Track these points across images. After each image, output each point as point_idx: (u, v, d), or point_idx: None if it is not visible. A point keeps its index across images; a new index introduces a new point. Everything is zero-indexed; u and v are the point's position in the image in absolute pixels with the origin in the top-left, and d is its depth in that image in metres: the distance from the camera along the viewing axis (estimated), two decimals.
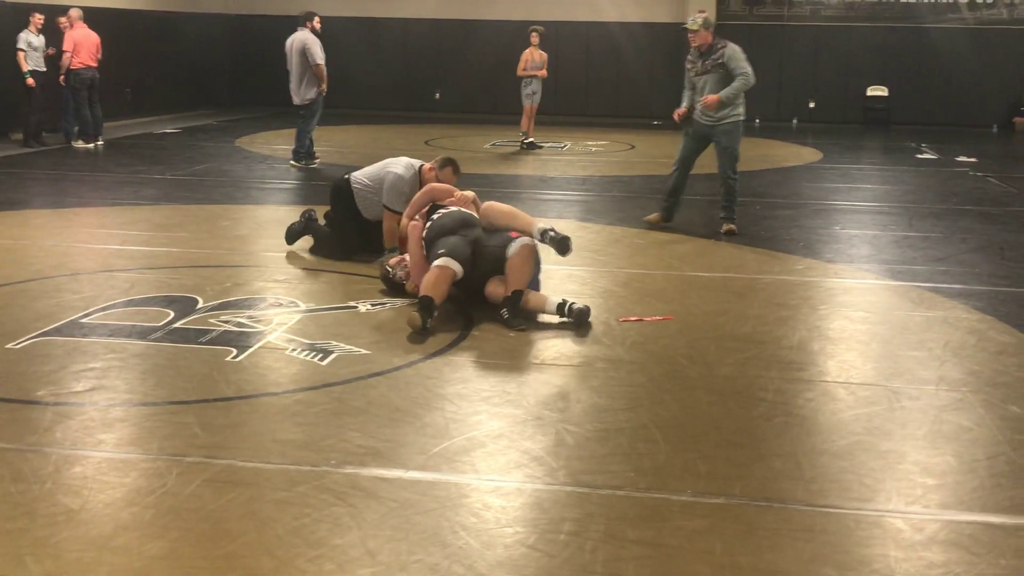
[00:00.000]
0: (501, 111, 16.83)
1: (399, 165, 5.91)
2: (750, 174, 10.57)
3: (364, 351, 4.25)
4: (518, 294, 4.66)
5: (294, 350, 4.24)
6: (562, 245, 4.68)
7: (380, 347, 4.32)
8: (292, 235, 6.44)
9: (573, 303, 4.72)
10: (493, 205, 4.97)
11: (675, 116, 7.06)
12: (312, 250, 6.31)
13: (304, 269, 5.91)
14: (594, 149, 13.07)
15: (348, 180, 6.09)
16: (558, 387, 3.90)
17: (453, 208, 5.16)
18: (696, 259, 6.35)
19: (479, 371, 4.06)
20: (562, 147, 13.24)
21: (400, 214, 5.80)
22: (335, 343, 4.35)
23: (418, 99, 18.13)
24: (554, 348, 4.39)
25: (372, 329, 4.60)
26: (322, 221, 6.31)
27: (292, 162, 10.47)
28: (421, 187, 5.79)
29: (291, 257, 6.20)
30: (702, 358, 4.29)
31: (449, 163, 5.77)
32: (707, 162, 7.34)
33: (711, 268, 6.08)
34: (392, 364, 4.10)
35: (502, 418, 3.54)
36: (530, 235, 4.82)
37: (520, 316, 4.65)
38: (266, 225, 7.24)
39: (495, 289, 4.77)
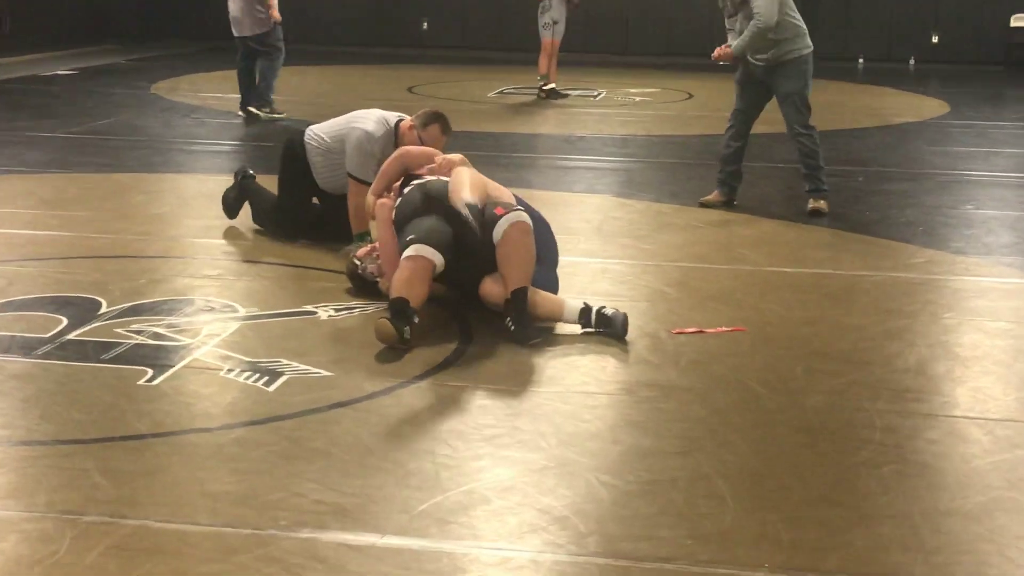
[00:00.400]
0: (511, 47, 16.88)
1: (369, 119, 5.92)
2: (850, 133, 10.58)
3: (325, 372, 4.27)
4: (521, 295, 4.65)
5: (230, 371, 4.26)
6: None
7: (346, 367, 4.33)
8: (230, 205, 6.47)
9: (602, 307, 4.71)
10: (459, 172, 4.99)
11: (714, 55, 7.07)
12: (255, 219, 6.34)
13: (245, 261, 5.93)
14: (638, 99, 13.09)
15: (303, 135, 6.13)
16: (587, 423, 3.90)
17: (431, 178, 5.16)
18: (775, 249, 6.35)
19: (480, 400, 4.07)
20: (595, 96, 13.26)
21: (368, 184, 5.82)
22: (285, 362, 4.36)
23: (399, 32, 18.21)
24: (582, 370, 4.40)
25: (336, 343, 4.61)
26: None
27: (252, 108, 10.58)
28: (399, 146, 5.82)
29: (230, 240, 6.22)
30: (784, 384, 4.28)
31: (436, 119, 5.78)
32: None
33: (796, 261, 6.08)
34: (363, 391, 4.11)
35: (512, 464, 3.55)
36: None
37: (532, 326, 4.65)
38: (194, 201, 7.27)
39: (491, 289, 4.77)
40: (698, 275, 5.73)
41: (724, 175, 7.27)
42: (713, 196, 7.30)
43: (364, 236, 5.77)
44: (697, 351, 4.61)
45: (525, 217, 4.73)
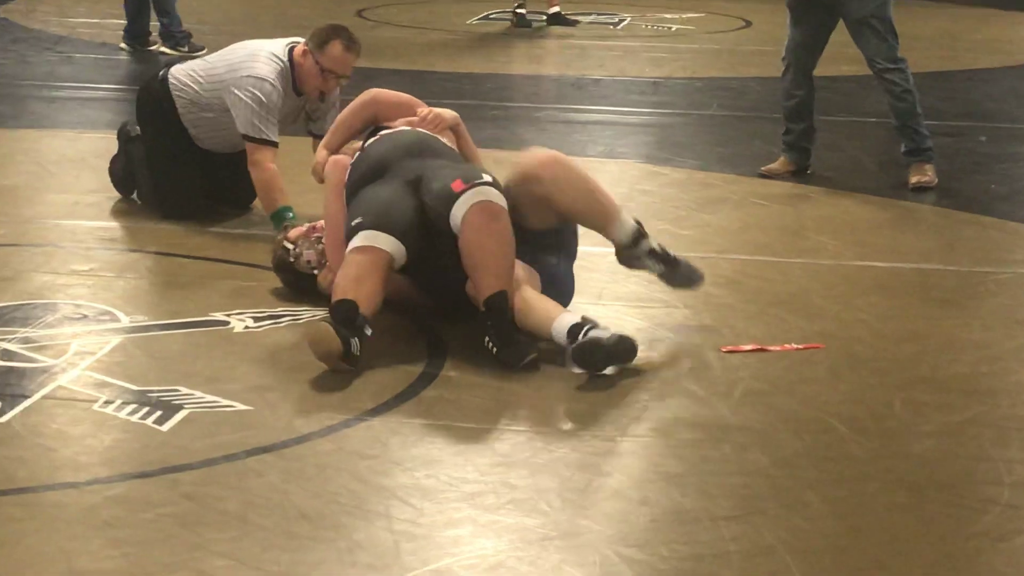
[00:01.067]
0: None
1: (260, 57, 5.98)
2: (968, 76, 10.60)
3: (240, 406, 4.26)
4: (499, 302, 4.63)
5: (109, 403, 4.24)
6: (682, 277, 4.94)
7: (270, 399, 4.33)
8: (119, 178, 6.48)
9: (590, 328, 4.54)
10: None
11: None
12: (139, 196, 6.34)
13: (130, 251, 5.93)
14: (675, 28, 13.10)
15: (164, 80, 6.16)
16: (606, 476, 3.89)
17: (404, 128, 5.20)
18: (864, 236, 6.35)
19: (456, 444, 4.06)
20: (615, 24, 13.27)
21: (273, 145, 5.87)
22: (186, 391, 4.35)
23: None
24: (598, 403, 4.39)
25: (255, 365, 4.60)
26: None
27: (165, 48, 10.61)
28: (299, 85, 5.91)
29: (110, 222, 6.20)
30: (877, 423, 4.28)
31: (334, 34, 5.88)
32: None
33: (894, 253, 6.08)
34: (293, 431, 4.10)
35: (500, 533, 3.53)
36: (562, 216, 4.89)
37: (521, 341, 4.63)
38: (58, 168, 7.25)
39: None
40: (758, 271, 5.73)
41: (792, 136, 7.28)
42: (778, 164, 7.31)
43: (283, 214, 5.78)
44: (757, 377, 4.60)
45: (493, 194, 4.70)
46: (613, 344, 4.51)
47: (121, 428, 4.08)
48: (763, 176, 7.25)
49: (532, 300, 4.75)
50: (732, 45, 12.14)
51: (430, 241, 4.77)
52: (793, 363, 4.73)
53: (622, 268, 5.12)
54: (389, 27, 12.61)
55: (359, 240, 4.68)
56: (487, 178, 4.75)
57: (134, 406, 4.21)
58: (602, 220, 4.93)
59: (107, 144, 6.67)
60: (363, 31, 12.05)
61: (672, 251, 5.00)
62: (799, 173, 7.28)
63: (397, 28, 12.58)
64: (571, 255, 5.12)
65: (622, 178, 7.31)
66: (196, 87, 6.06)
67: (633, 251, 4.96)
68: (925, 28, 12.68)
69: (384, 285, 4.66)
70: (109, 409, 4.19)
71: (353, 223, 4.76)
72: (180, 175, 6.17)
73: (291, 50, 5.94)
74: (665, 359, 4.74)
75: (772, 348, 4.83)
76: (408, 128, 5.19)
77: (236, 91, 5.88)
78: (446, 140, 5.22)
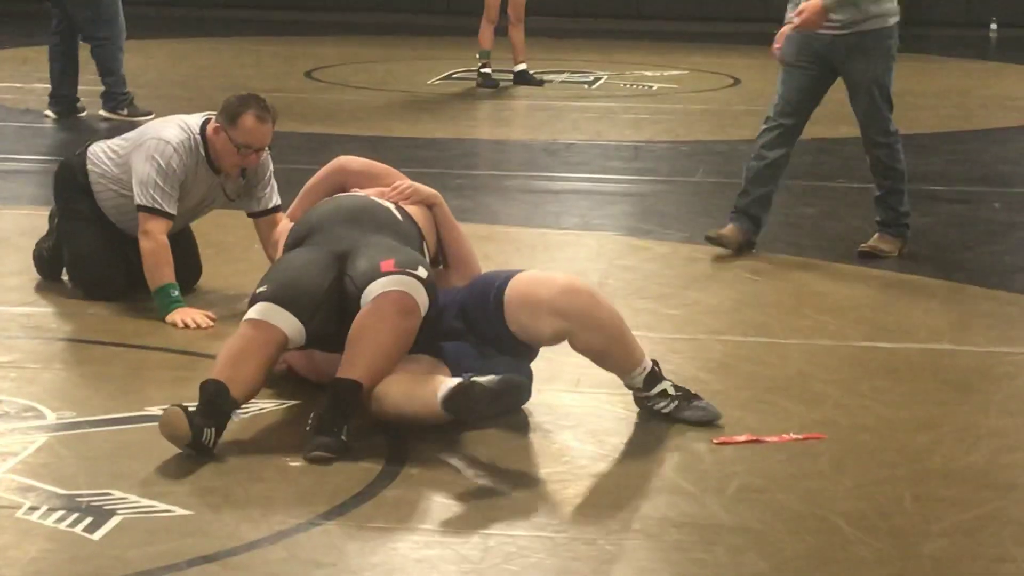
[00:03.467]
0: (463, 9, 16.99)
1: (169, 123, 6.14)
2: (980, 137, 10.68)
3: (180, 510, 4.24)
4: (345, 389, 4.62)
5: (33, 509, 4.21)
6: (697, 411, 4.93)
7: (213, 502, 4.31)
8: (44, 262, 6.49)
9: (467, 382, 4.50)
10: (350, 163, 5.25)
11: (773, 49, 7.15)
12: (71, 278, 6.35)
13: (57, 339, 5.93)
14: (656, 87, 13.18)
15: (84, 157, 6.26)
16: None
17: (355, 193, 5.26)
18: (867, 313, 6.37)
19: (421, 551, 4.04)
20: (590, 83, 13.35)
21: (166, 216, 5.94)
22: (119, 494, 4.33)
23: None
24: (577, 500, 4.39)
25: (196, 464, 4.58)
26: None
27: (105, 112, 10.66)
28: (215, 163, 5.99)
29: (34, 307, 6.19)
30: (886, 521, 4.28)
31: (245, 104, 5.94)
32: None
33: (901, 332, 6.11)
34: (238, 537, 4.08)
35: None
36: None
37: (328, 436, 4.57)
38: None
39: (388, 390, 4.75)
40: (752, 354, 5.74)
41: (747, 200, 7.20)
42: (726, 231, 7.20)
43: (167, 290, 5.84)
44: (753, 471, 4.60)
45: (417, 290, 4.72)
46: (494, 385, 4.47)
47: (48, 537, 4.04)
48: (709, 241, 7.16)
49: (396, 383, 4.70)
50: (719, 105, 12.23)
51: (345, 321, 4.79)
52: (792, 455, 4.73)
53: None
54: (342, 88, 12.68)
55: (253, 312, 4.74)
56: (421, 272, 4.77)
57: (62, 512, 4.17)
58: (622, 367, 4.94)
59: (31, 221, 6.67)
60: (314, 94, 12.16)
61: (689, 388, 5.00)
62: (745, 246, 7.18)
63: (351, 90, 12.65)
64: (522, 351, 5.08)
65: (600, 253, 7.33)
66: (109, 163, 6.16)
67: (647, 393, 4.96)
68: (934, 84, 12.82)
69: (269, 365, 4.73)
70: (34, 516, 4.15)
71: (256, 291, 4.82)
72: (99, 251, 6.20)
73: (204, 124, 6.01)
74: (651, 451, 4.74)
75: (769, 439, 4.83)
76: (359, 194, 5.22)
77: (136, 154, 5.99)
78: (418, 219, 5.23)
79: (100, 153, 6.21)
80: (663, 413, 4.93)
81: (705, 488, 4.46)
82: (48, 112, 10.76)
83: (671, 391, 4.94)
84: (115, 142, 6.25)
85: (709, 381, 5.40)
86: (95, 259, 6.22)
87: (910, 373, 5.60)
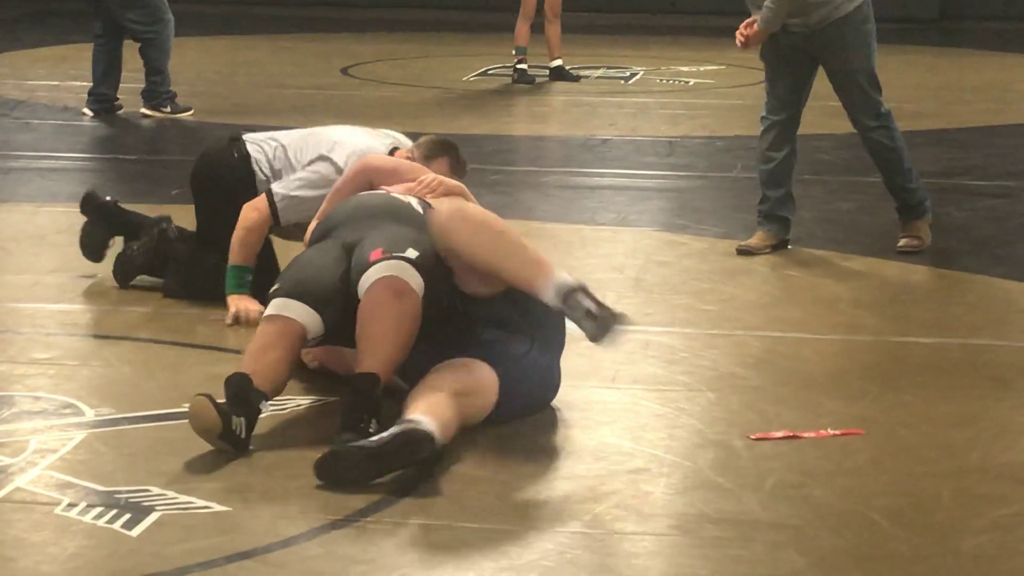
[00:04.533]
0: (499, 5, 17.00)
1: (352, 140, 6.01)
2: (1017, 130, 10.62)
3: (218, 507, 4.25)
4: (364, 382, 4.62)
5: (72, 506, 4.23)
6: (600, 327, 4.64)
7: (250, 499, 4.33)
8: (91, 243, 6.46)
9: (332, 450, 4.46)
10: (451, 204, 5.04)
11: (740, 40, 7.12)
12: (170, 291, 6.30)
13: (95, 336, 5.95)
14: (692, 83, 13.16)
15: (242, 144, 6.15)
16: (614, 572, 3.88)
17: (378, 191, 5.28)
18: (907, 308, 6.36)
19: (458, 547, 4.05)
20: (626, 78, 13.34)
21: (277, 221, 5.96)
22: (157, 491, 4.35)
23: None
24: (614, 497, 4.39)
25: (233, 461, 4.60)
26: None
27: (146, 110, 10.70)
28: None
29: (73, 304, 6.21)
30: (924, 517, 4.28)
31: (444, 150, 5.83)
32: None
33: (939, 328, 6.09)
34: (276, 534, 4.09)
35: None
36: (526, 281, 4.77)
37: (367, 427, 4.55)
38: (19, 246, 7.26)
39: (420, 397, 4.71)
40: (789, 350, 5.73)
41: (769, 205, 7.18)
42: (756, 239, 7.17)
43: (241, 272, 5.83)
44: (790, 467, 4.60)
45: (406, 271, 4.73)
46: (373, 446, 4.38)
47: (86, 534, 4.06)
48: (740, 253, 7.16)
49: (428, 395, 4.63)
50: (755, 100, 12.09)
51: (353, 311, 4.81)
52: (830, 451, 4.72)
53: (638, 347, 5.13)
54: (378, 85, 12.70)
55: (270, 308, 4.78)
56: (410, 253, 4.77)
57: (100, 509, 4.19)
58: (526, 273, 4.76)
59: (68, 219, 6.69)
60: (350, 90, 12.19)
61: (601, 306, 4.69)
62: (779, 247, 7.20)
63: (387, 86, 12.66)
64: (551, 344, 5.06)
65: (637, 248, 7.33)
66: (286, 150, 6.08)
67: (565, 302, 4.69)
68: (972, 78, 12.74)
69: (291, 356, 4.75)
70: (73, 513, 4.17)
71: (271, 289, 4.86)
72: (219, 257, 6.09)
73: (394, 150, 5.98)
74: (688, 448, 4.74)
75: (806, 435, 4.82)
76: (381, 191, 5.24)
77: (328, 154, 5.95)
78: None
79: (264, 142, 6.13)
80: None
81: (742, 484, 4.46)
82: (86, 110, 10.80)
83: (594, 310, 4.65)
84: (284, 142, 6.14)
85: (747, 376, 5.40)
86: (214, 265, 6.08)
87: (948, 369, 5.58)
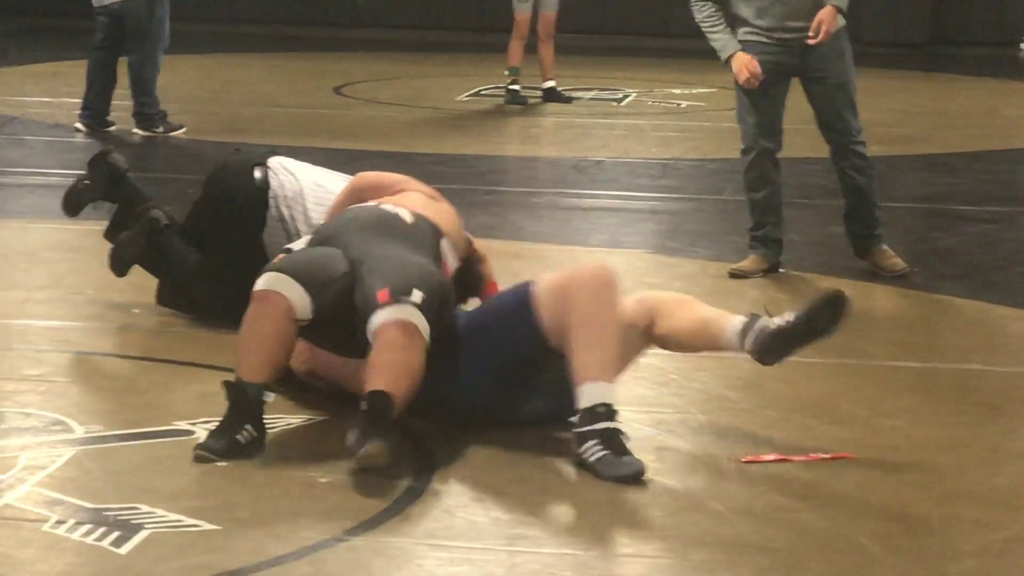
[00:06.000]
0: (491, 26, 17.05)
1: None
2: (1006, 156, 10.64)
3: (207, 525, 4.24)
4: (379, 400, 4.60)
5: (60, 523, 4.22)
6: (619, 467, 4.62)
7: (240, 517, 4.32)
8: (78, 199, 6.40)
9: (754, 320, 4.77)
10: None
11: (745, 75, 7.05)
12: (160, 298, 6.26)
13: (85, 353, 5.93)
14: (684, 105, 13.18)
15: (264, 171, 6.07)
16: None
17: (370, 204, 5.32)
18: (894, 333, 6.36)
19: (449, 567, 4.04)
20: (619, 100, 13.36)
21: None
22: (146, 509, 4.34)
23: (321, 5, 18.36)
24: (603, 518, 4.39)
25: (223, 479, 4.60)
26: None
27: (138, 130, 10.70)
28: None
29: (63, 321, 6.20)
30: (913, 541, 4.27)
31: None
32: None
33: (929, 352, 6.10)
34: (264, 552, 4.08)
35: None
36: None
37: (373, 437, 4.53)
38: (9, 262, 7.25)
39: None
40: (779, 373, 5.71)
41: (765, 231, 7.19)
42: (750, 262, 7.19)
43: None
44: (779, 489, 4.59)
45: (414, 316, 4.72)
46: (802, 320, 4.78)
47: (74, 551, 4.05)
48: (732, 276, 7.16)
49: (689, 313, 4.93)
50: None
51: (352, 321, 4.82)
52: (820, 475, 4.72)
53: (629, 369, 5.13)
54: (370, 105, 12.71)
55: (259, 284, 4.78)
56: (416, 297, 4.75)
57: (89, 526, 4.18)
58: (587, 372, 4.74)
59: (60, 235, 6.69)
60: (342, 110, 12.20)
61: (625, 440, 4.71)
62: (771, 271, 7.20)
63: (379, 106, 12.68)
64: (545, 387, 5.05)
65: (629, 270, 7.31)
66: (320, 188, 6.01)
67: (582, 427, 4.71)
68: (962, 103, 12.78)
69: (283, 339, 4.76)
70: (61, 530, 4.16)
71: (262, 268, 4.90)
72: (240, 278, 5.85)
73: None
74: (678, 471, 4.73)
75: (796, 458, 4.82)
76: (370, 204, 5.27)
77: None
78: (437, 217, 5.29)
79: (291, 170, 6.08)
80: (587, 460, 4.65)
81: (732, 507, 4.45)
82: (79, 125, 10.79)
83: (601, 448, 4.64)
84: (311, 172, 6.12)
85: (737, 400, 5.40)
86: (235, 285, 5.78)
87: (938, 393, 5.58)
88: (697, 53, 16.24)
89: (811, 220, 8.32)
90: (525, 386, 5.00)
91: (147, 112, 10.71)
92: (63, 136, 10.81)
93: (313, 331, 4.91)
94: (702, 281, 7.15)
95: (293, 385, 5.23)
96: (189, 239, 6.16)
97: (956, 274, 7.27)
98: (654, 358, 5.82)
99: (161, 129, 10.67)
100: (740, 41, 7.01)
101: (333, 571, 3.98)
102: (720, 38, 7.08)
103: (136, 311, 6.25)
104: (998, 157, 10.59)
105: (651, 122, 12.15)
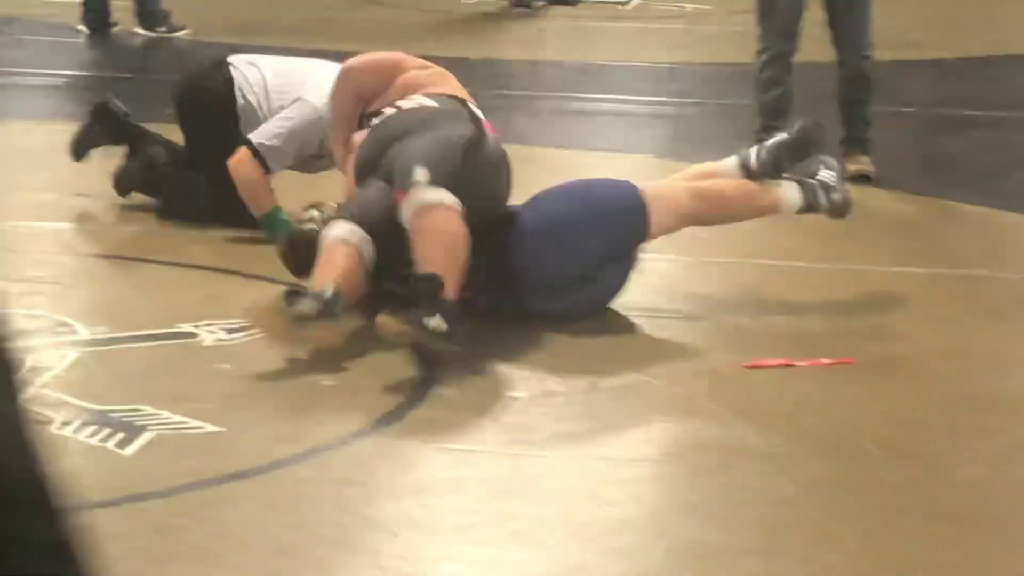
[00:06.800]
0: None
1: (325, 79, 5.83)
2: (1011, 61, 10.58)
3: (211, 427, 4.26)
4: (426, 280, 4.57)
5: (67, 424, 4.25)
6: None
7: (244, 419, 4.34)
8: (83, 143, 6.41)
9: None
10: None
11: None
12: (159, 209, 6.26)
13: (91, 256, 5.96)
14: (690, 7, 13.08)
15: (226, 67, 6.09)
16: (616, 505, 3.90)
17: (390, 111, 5.21)
18: (899, 239, 6.34)
19: (450, 469, 4.07)
20: (623, 3, 13.26)
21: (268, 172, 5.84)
22: (151, 410, 4.36)
23: None
24: (606, 422, 4.42)
25: (227, 381, 4.62)
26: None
27: (140, 29, 10.63)
28: None
29: (70, 223, 6.20)
30: (916, 447, 4.29)
31: None
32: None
33: (933, 258, 6.08)
34: (269, 455, 4.10)
35: (501, 570, 3.55)
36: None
37: (441, 326, 4.50)
38: (12, 164, 7.24)
39: None
40: (784, 278, 5.72)
41: (772, 133, 7.07)
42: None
43: (273, 219, 5.76)
44: (782, 396, 4.60)
45: (428, 195, 4.69)
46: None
47: (80, 452, 4.07)
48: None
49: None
50: (753, 27, 12.12)
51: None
52: (823, 380, 4.71)
53: (634, 275, 5.14)
54: (376, 7, 12.62)
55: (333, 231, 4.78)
56: (418, 176, 4.71)
57: (94, 427, 4.21)
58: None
59: (63, 137, 6.63)
60: (346, 12, 12.10)
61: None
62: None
63: (385, 8, 12.59)
64: (603, 253, 5.11)
65: (635, 174, 7.21)
66: (274, 83, 5.97)
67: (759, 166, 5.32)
68: (964, 10, 12.67)
69: (361, 276, 4.74)
70: (67, 431, 4.19)
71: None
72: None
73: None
74: (681, 375, 4.73)
75: (799, 363, 4.81)
76: (392, 111, 5.19)
77: (304, 96, 5.86)
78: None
79: (250, 79, 6.01)
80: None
81: (735, 412, 4.45)
82: (80, 27, 10.71)
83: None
84: (268, 69, 6.04)
85: (741, 305, 5.39)
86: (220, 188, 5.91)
87: (942, 299, 5.57)
88: None
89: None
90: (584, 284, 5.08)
91: (151, 9, 10.62)
92: (65, 37, 10.73)
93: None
94: None
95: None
96: (189, 160, 6.19)
97: (961, 180, 7.24)
98: (662, 262, 5.83)
99: (164, 29, 10.57)
100: None
101: (338, 474, 4.00)
102: None
103: (142, 214, 6.24)
104: (1003, 62, 10.48)
105: (657, 25, 12.06)
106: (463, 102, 5.28)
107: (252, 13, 11.87)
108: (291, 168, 5.97)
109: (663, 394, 4.59)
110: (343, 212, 4.88)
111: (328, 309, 4.48)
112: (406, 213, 4.69)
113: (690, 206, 5.18)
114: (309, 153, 5.84)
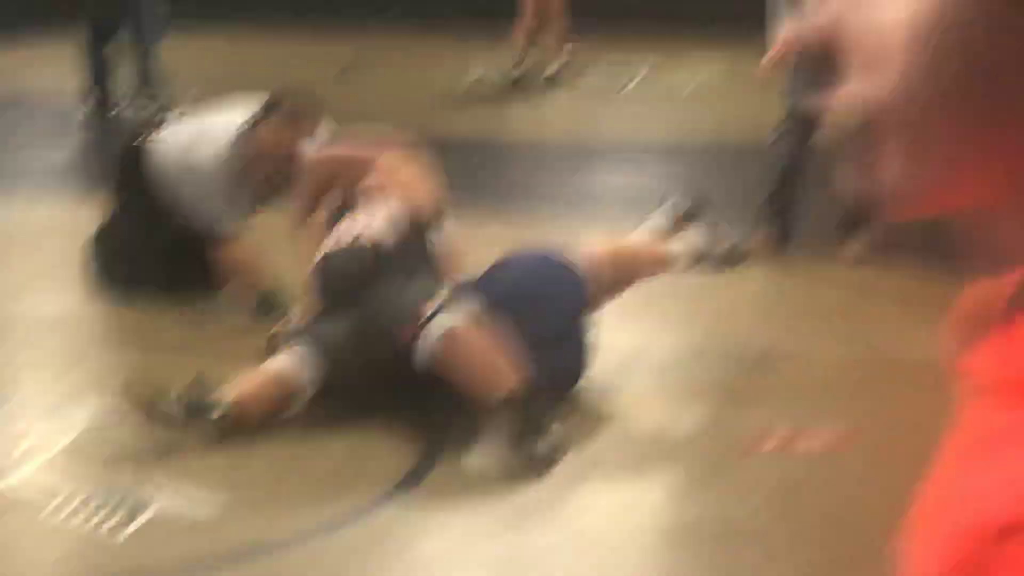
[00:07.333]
0: (498, 10, 17.00)
1: (215, 127, 5.95)
2: None
3: (207, 509, 4.29)
4: (514, 397, 4.65)
5: (59, 507, 4.26)
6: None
7: (241, 502, 4.36)
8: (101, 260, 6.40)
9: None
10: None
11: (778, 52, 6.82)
12: (98, 273, 6.31)
13: (89, 336, 5.96)
14: (694, 84, 13.16)
15: (140, 149, 6.09)
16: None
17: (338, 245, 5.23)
18: (908, 318, 6.34)
19: (453, 551, 4.09)
20: (626, 84, 13.33)
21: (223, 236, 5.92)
22: (147, 492, 4.39)
23: None
24: (608, 501, 4.43)
25: (227, 466, 4.63)
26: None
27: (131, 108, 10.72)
28: (250, 164, 5.86)
29: (71, 302, 6.22)
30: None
31: (271, 111, 5.88)
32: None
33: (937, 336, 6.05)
34: (266, 535, 4.11)
35: None
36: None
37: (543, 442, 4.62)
38: (9, 243, 7.26)
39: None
40: (787, 356, 5.69)
41: (782, 204, 7.06)
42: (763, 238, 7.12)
43: (269, 300, 5.80)
44: (783, 476, 4.60)
45: (456, 320, 4.73)
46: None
47: (75, 539, 4.10)
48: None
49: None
50: (761, 102, 12.19)
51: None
52: (824, 461, 4.71)
53: (630, 357, 5.15)
54: (376, 87, 12.71)
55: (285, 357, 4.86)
56: (452, 313, 4.77)
57: (93, 510, 4.23)
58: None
59: (70, 215, 6.66)
60: (347, 93, 12.18)
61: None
62: (783, 248, 7.11)
63: (384, 89, 12.68)
64: (564, 330, 5.16)
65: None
66: (179, 148, 6.00)
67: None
68: None
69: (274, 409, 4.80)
70: (61, 518, 4.20)
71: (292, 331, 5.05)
72: (155, 248, 6.09)
73: (256, 123, 6.02)
74: (680, 456, 4.74)
75: (800, 444, 4.82)
76: (342, 246, 5.20)
77: (191, 156, 5.93)
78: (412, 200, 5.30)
79: (165, 141, 6.07)
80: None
81: (733, 493, 4.47)
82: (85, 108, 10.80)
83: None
84: (178, 132, 6.09)
85: (743, 382, 5.38)
86: (153, 256, 6.11)
87: (943, 378, 5.54)
88: (711, 35, 16.32)
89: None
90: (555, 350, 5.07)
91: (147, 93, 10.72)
92: (71, 118, 10.82)
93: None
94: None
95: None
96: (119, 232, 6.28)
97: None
98: (660, 341, 5.83)
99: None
100: None
101: (348, 547, 4.03)
102: None
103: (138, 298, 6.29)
104: None
105: (661, 102, 12.16)
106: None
107: (210, 89, 11.98)
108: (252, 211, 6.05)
109: (661, 476, 4.62)
110: (302, 339, 4.93)
111: (194, 420, 4.65)
112: (432, 337, 4.71)
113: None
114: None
